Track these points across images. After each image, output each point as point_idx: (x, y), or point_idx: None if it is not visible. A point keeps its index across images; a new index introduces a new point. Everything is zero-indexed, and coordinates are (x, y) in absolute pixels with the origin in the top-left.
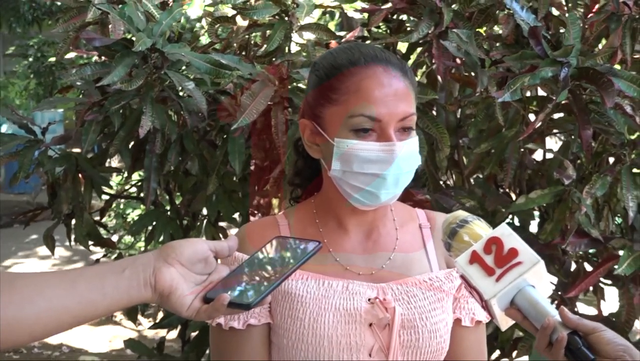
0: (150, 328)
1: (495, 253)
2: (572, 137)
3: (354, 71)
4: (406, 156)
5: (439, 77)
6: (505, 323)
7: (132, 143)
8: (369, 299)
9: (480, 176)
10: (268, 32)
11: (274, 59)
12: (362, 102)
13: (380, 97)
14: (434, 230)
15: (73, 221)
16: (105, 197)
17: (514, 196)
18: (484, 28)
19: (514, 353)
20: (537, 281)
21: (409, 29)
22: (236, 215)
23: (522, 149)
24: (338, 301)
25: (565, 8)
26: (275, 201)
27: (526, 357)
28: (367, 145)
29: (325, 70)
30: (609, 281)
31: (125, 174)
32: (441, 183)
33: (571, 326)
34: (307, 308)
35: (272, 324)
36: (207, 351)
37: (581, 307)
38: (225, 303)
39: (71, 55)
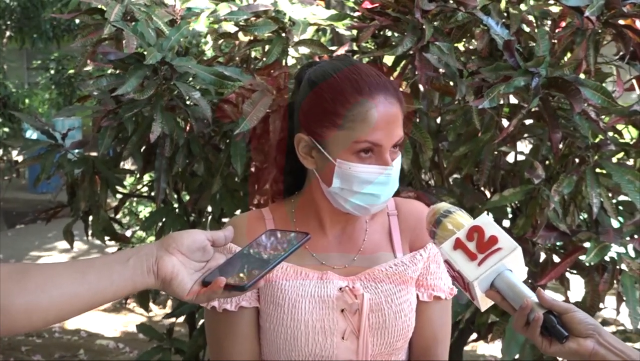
0: (164, 317)
1: (477, 240)
2: (541, 140)
3: (360, 100)
4: (397, 177)
5: (421, 87)
6: (484, 304)
7: (143, 147)
8: (340, 288)
9: (459, 176)
10: (267, 47)
11: (272, 71)
12: (368, 130)
13: (382, 125)
14: (401, 216)
15: (90, 218)
16: (119, 196)
17: (488, 194)
18: (462, 42)
19: (489, 336)
20: (514, 265)
21: (394, 43)
22: (238, 212)
23: (496, 152)
24: (313, 289)
25: (535, 24)
26: None
27: (499, 340)
28: (367, 168)
29: (329, 94)
30: (575, 271)
31: (138, 175)
32: (424, 182)
33: (546, 306)
34: (287, 295)
35: (259, 308)
36: None
37: (549, 294)
38: (222, 285)
39: (89, 68)
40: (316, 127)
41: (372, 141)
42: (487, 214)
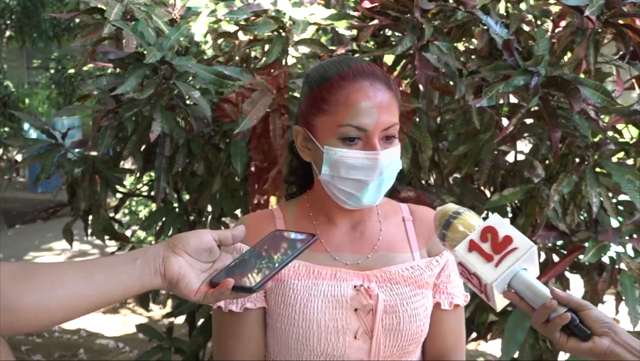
0: (164, 316)
1: (491, 241)
2: (541, 140)
3: (343, 84)
4: (388, 163)
5: (421, 86)
6: (501, 304)
7: (143, 147)
8: (355, 287)
9: (458, 175)
10: (267, 46)
11: (272, 71)
12: (350, 113)
13: (366, 109)
14: (416, 222)
15: (90, 217)
16: (119, 195)
17: (488, 194)
18: (462, 42)
19: (489, 336)
20: (529, 264)
21: (394, 42)
22: (238, 211)
23: (496, 151)
24: (326, 288)
25: (535, 24)
26: (273, 199)
27: (499, 340)
28: (353, 153)
29: (316, 82)
30: (574, 270)
31: (137, 175)
32: (423, 181)
33: (562, 303)
34: (298, 295)
35: (267, 308)
36: None
37: None
38: (230, 286)
39: (88, 67)
40: (308, 117)
41: (355, 125)
42: (486, 215)
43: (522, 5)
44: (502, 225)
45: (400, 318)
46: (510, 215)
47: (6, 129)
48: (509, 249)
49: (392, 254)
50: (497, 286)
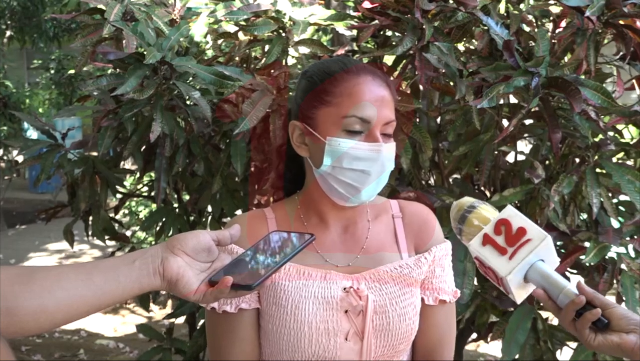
0: (164, 317)
1: (505, 233)
2: (541, 140)
3: (347, 77)
4: (389, 157)
5: (421, 87)
6: (520, 297)
7: (143, 147)
8: (344, 288)
9: (458, 175)
10: (267, 46)
11: (272, 71)
12: (355, 105)
13: (370, 101)
14: (405, 219)
15: (90, 218)
16: (119, 196)
17: (488, 194)
18: (462, 42)
19: (489, 336)
20: (546, 255)
21: (394, 43)
22: (238, 212)
23: (496, 152)
24: (317, 289)
25: (535, 24)
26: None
27: (498, 341)
28: (357, 144)
29: (318, 76)
30: (575, 271)
31: (138, 175)
32: (423, 182)
33: (588, 299)
34: (289, 296)
35: (260, 309)
36: None
37: None
38: (228, 284)
39: (88, 67)
40: (307, 111)
41: (360, 116)
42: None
43: (522, 6)
44: (516, 217)
45: (390, 317)
46: None
47: (6, 128)
48: (522, 240)
49: (381, 253)
50: (512, 279)
